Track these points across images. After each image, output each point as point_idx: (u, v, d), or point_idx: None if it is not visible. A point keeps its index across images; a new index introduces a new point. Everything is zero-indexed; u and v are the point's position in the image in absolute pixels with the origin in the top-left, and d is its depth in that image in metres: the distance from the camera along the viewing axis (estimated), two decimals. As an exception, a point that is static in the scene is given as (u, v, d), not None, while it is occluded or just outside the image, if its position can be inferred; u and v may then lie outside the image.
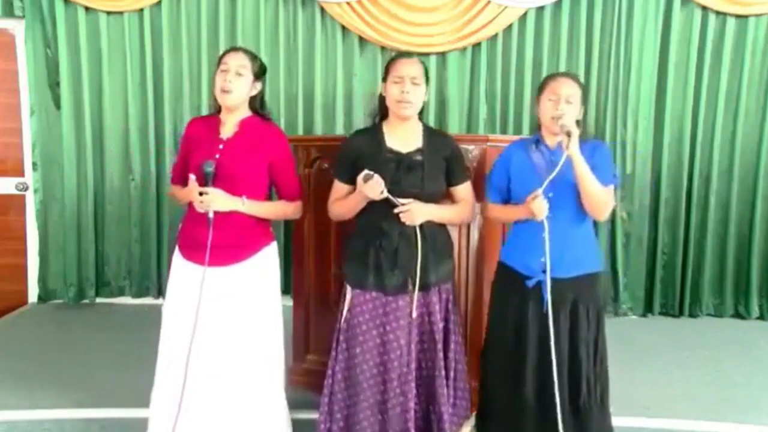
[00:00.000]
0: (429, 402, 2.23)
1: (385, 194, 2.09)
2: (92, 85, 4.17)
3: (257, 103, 2.29)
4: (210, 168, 2.12)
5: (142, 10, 4.13)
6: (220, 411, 2.20)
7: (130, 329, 3.74)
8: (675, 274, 4.26)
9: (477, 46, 4.19)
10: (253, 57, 2.26)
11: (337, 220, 2.40)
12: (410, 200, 2.13)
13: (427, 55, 4.15)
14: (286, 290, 4.23)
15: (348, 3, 4.06)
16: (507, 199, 2.31)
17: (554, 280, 2.15)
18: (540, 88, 2.25)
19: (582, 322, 2.18)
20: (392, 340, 2.15)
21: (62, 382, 2.98)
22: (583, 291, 2.19)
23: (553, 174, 2.10)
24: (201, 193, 2.13)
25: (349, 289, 2.22)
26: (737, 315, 4.30)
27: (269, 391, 2.29)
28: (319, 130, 4.16)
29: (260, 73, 2.27)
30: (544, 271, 2.15)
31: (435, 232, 2.21)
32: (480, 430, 2.38)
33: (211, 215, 2.13)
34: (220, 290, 2.19)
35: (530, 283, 2.17)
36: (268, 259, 2.30)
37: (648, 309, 4.31)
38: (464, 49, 4.19)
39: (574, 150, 2.07)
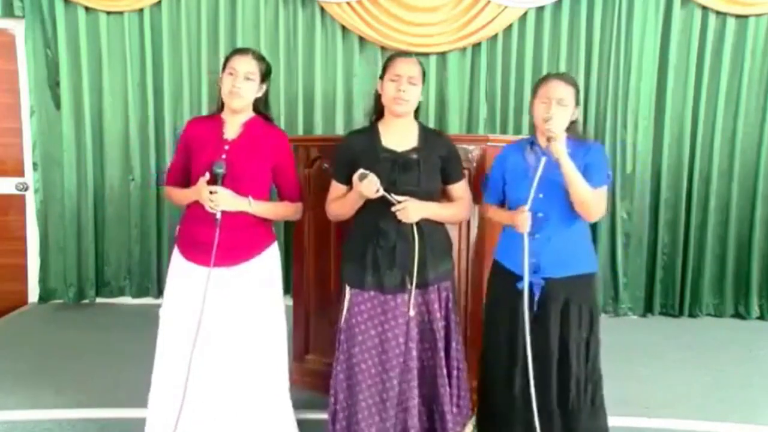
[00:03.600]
0: (432, 402, 2.22)
1: (381, 192, 2.10)
2: (92, 85, 4.17)
3: (261, 105, 2.30)
4: (221, 169, 2.12)
5: (142, 10, 4.13)
6: (227, 414, 2.20)
7: (130, 329, 3.74)
8: (675, 274, 4.26)
9: (477, 46, 4.20)
10: (260, 59, 2.25)
11: (335, 220, 2.41)
12: (406, 198, 2.13)
13: (427, 55, 4.16)
14: (286, 290, 4.26)
15: (348, 3, 4.07)
16: (503, 200, 2.33)
17: (546, 280, 2.17)
18: (534, 91, 2.27)
19: (573, 322, 2.18)
20: (390, 339, 2.16)
21: (62, 382, 2.98)
22: (575, 291, 2.20)
23: (534, 184, 2.11)
24: (210, 193, 2.12)
25: (348, 288, 2.23)
26: (737, 315, 4.30)
27: (275, 392, 2.29)
28: (319, 130, 4.16)
29: (266, 74, 2.27)
30: (535, 272, 2.16)
31: (433, 230, 2.21)
32: (480, 430, 2.38)
33: (218, 216, 2.13)
34: (226, 291, 2.19)
35: (519, 285, 2.17)
36: (271, 260, 2.31)
37: (648, 309, 4.31)
38: (464, 49, 4.20)
39: (560, 153, 2.08)
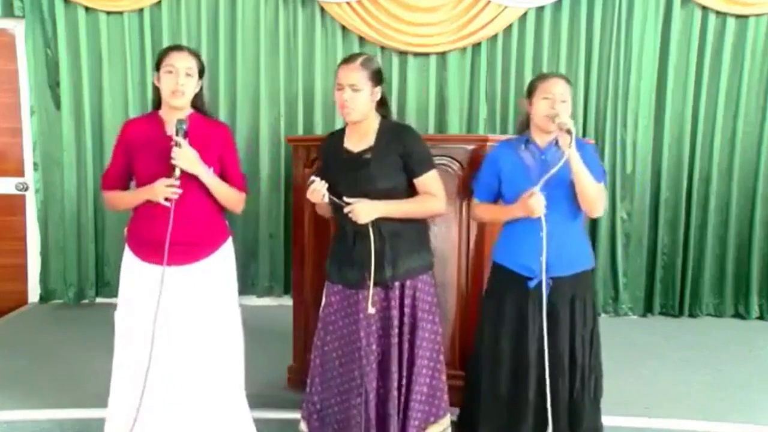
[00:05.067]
0: (384, 396, 2.21)
1: (327, 197, 2.12)
2: (92, 85, 4.17)
3: (199, 101, 2.30)
4: (184, 125, 2.13)
5: (142, 10, 4.13)
6: (184, 413, 2.20)
7: (130, 329, 3.74)
8: (675, 274, 4.27)
9: (477, 46, 4.20)
10: (196, 55, 2.26)
11: (324, 216, 2.44)
12: (356, 199, 2.13)
13: (427, 55, 4.17)
14: (286, 290, 4.28)
15: (348, 3, 4.07)
16: (496, 200, 2.32)
17: (554, 279, 2.17)
18: (530, 89, 2.26)
19: (579, 317, 2.22)
20: (353, 332, 2.21)
21: (62, 382, 2.99)
22: (579, 287, 2.23)
23: (552, 172, 2.09)
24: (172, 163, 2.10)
25: (327, 281, 2.32)
26: (737, 315, 4.30)
27: (230, 393, 2.30)
28: (319, 130, 4.16)
29: (202, 71, 2.28)
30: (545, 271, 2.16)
31: (395, 228, 2.18)
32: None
33: (177, 173, 2.11)
34: (183, 290, 2.18)
35: (532, 284, 2.17)
36: (226, 260, 2.32)
37: (648, 309, 4.31)
38: (464, 49, 4.20)
39: (573, 149, 2.08)
